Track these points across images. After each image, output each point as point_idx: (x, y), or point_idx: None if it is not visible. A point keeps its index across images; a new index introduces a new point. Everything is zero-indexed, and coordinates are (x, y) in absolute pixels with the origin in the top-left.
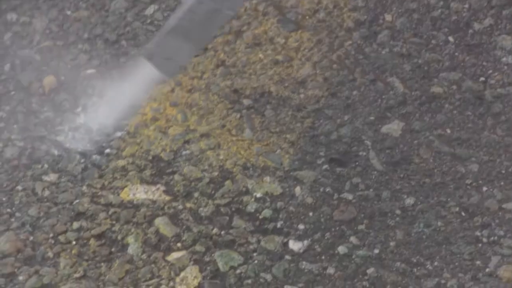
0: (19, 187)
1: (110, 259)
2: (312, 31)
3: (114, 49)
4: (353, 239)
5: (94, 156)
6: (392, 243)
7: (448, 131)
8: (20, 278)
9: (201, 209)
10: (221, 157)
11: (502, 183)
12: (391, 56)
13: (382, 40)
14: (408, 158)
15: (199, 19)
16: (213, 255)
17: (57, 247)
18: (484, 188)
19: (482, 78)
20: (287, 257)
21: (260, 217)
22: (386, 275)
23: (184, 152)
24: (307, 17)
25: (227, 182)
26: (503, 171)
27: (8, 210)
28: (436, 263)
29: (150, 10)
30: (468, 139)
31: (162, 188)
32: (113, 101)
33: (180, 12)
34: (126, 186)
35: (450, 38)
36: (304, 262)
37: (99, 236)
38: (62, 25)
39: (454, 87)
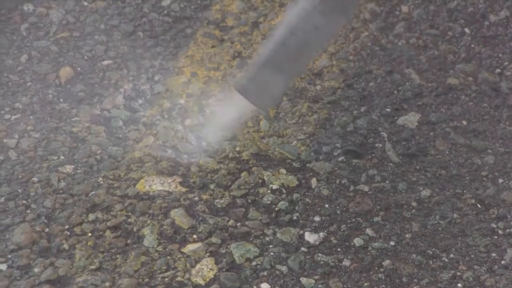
0: (35, 179)
1: (125, 251)
2: None
3: (131, 41)
4: (369, 231)
5: (110, 148)
6: (408, 235)
7: (464, 122)
8: (36, 270)
9: (217, 200)
10: (238, 148)
11: None
12: (408, 48)
13: (399, 31)
14: (424, 150)
15: (291, 51)
16: (229, 247)
17: (73, 239)
18: (500, 180)
19: (498, 70)
20: (303, 249)
21: (276, 209)
22: (402, 267)
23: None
24: None
25: (243, 174)
26: None
27: (24, 201)
28: (451, 255)
29: (167, 1)
30: (484, 131)
31: (178, 179)
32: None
33: (271, 44)
34: (142, 178)
35: (466, 30)
36: (320, 254)
37: (114, 228)
38: (79, 16)
39: (470, 78)
